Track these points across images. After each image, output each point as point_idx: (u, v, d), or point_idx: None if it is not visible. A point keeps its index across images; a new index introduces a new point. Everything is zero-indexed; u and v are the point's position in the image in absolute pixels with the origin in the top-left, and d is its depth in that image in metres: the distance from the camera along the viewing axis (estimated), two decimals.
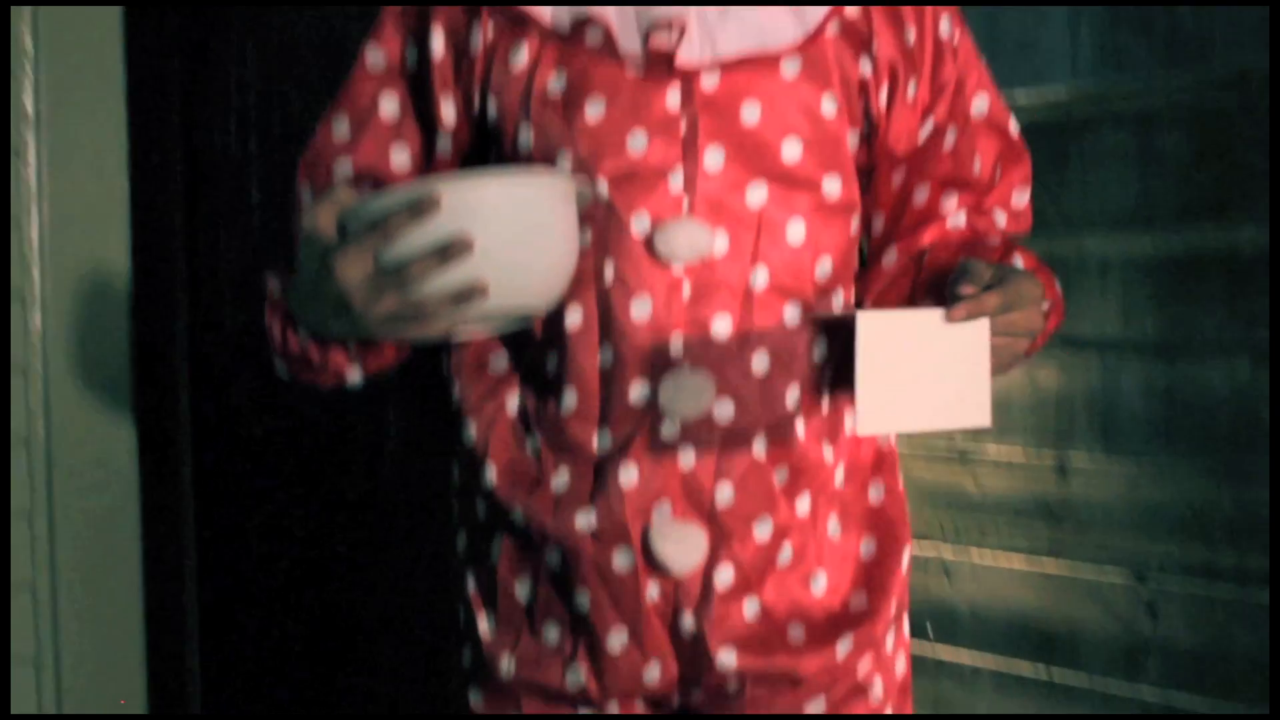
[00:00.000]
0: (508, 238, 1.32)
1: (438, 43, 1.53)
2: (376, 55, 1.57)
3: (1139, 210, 2.38)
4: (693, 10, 1.47)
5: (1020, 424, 2.53)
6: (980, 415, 1.43)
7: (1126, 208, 2.38)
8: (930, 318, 1.41)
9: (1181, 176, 2.32)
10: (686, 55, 1.47)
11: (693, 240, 1.47)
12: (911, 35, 1.56)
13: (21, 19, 2.26)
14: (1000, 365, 1.46)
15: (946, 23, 1.59)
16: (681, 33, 1.47)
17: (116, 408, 2.46)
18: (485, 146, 1.58)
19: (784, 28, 1.50)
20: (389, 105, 1.57)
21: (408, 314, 1.33)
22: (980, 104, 1.62)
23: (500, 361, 1.57)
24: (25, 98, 2.28)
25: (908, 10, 1.56)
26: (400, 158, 1.57)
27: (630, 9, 1.48)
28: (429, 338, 1.42)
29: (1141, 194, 2.37)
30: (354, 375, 1.54)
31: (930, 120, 1.60)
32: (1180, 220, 2.33)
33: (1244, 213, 2.25)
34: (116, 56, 2.45)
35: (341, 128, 1.58)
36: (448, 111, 1.55)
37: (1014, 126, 1.67)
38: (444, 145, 1.57)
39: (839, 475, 1.57)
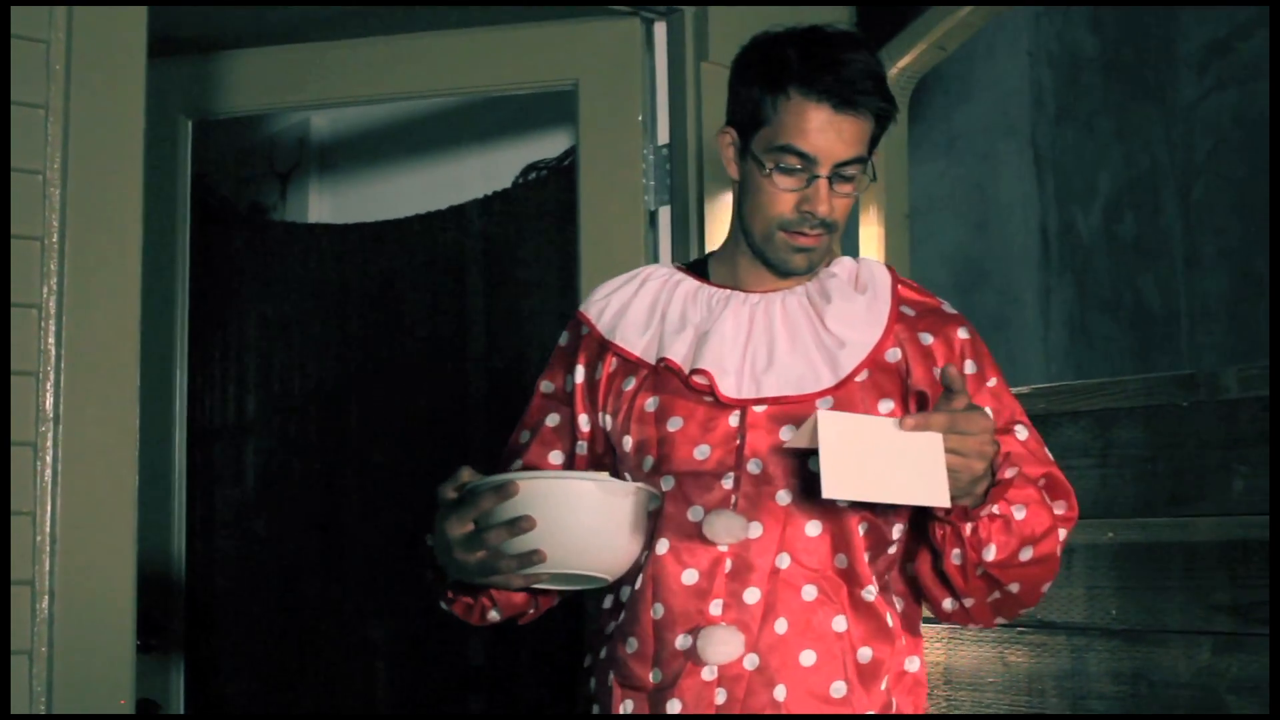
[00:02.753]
0: (564, 522, 1.79)
1: (579, 374, 2.06)
2: (546, 384, 2.11)
3: (1099, 501, 2.52)
4: (733, 361, 1.95)
5: (993, 704, 2.62)
6: (938, 496, 1.73)
7: (1088, 499, 2.52)
8: (886, 425, 1.74)
9: (1139, 470, 2.48)
10: (733, 393, 1.93)
11: (731, 527, 1.89)
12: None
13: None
14: (958, 484, 1.76)
15: (971, 366, 1.98)
16: (710, 378, 1.94)
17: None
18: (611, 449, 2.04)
19: (820, 375, 1.94)
20: (551, 420, 2.09)
21: (489, 566, 1.81)
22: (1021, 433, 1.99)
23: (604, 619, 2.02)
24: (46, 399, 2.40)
25: (937, 347, 1.98)
26: (554, 458, 2.07)
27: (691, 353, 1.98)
28: (512, 587, 1.87)
29: (1101, 485, 2.52)
30: (494, 615, 2.00)
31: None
32: (1138, 512, 2.47)
33: (1199, 504, 2.40)
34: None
35: (522, 437, 2.11)
36: (584, 423, 2.06)
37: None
38: (582, 449, 2.06)
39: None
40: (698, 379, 1.95)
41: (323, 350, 3.78)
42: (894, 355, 1.96)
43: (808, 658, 1.88)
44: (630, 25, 3.09)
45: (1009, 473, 1.83)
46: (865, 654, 1.90)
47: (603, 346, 2.05)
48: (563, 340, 2.13)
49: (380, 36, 3.20)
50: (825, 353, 1.95)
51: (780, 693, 1.86)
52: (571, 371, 2.07)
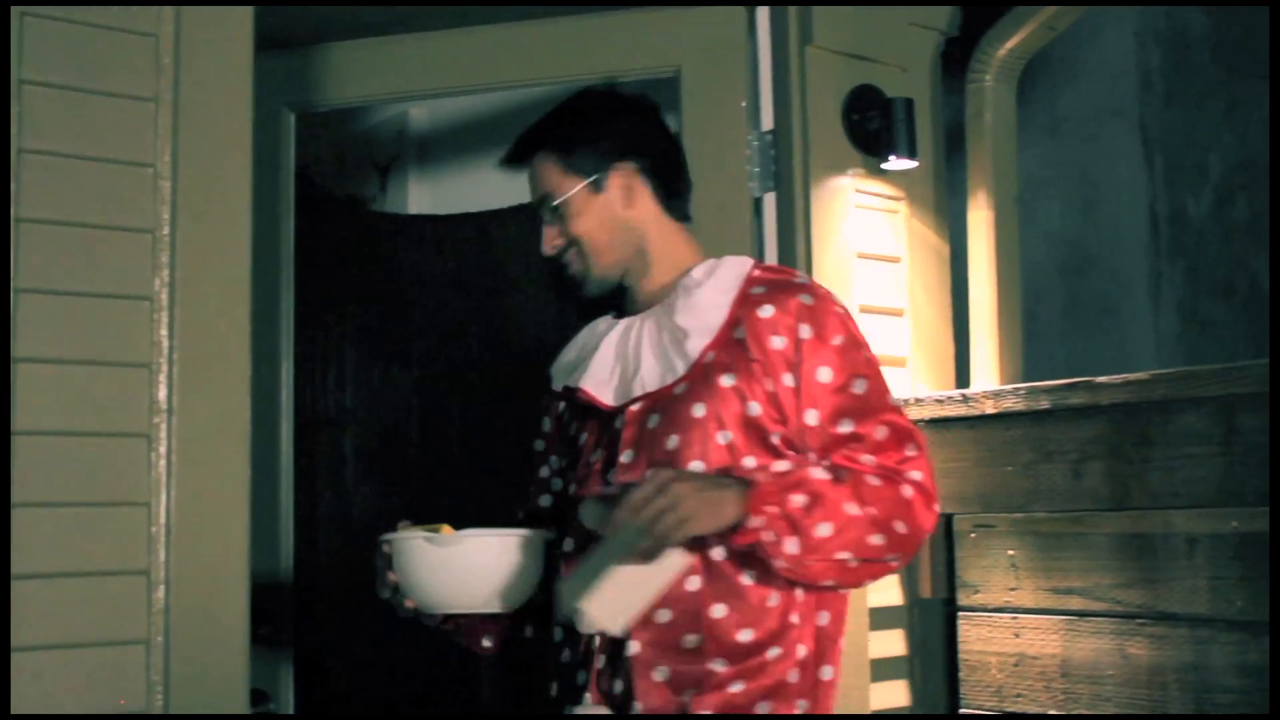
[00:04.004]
0: (411, 573, 2.22)
1: (546, 425, 2.47)
2: (538, 442, 2.48)
3: (1222, 489, 2.45)
4: (606, 375, 2.27)
5: (1113, 697, 2.56)
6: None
7: (1210, 487, 2.45)
8: (624, 569, 2.02)
9: (1263, 457, 2.40)
10: (612, 401, 2.26)
11: (595, 511, 2.11)
12: (779, 343, 2.19)
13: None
14: (689, 532, 2.02)
15: (807, 330, 2.18)
16: (588, 394, 2.27)
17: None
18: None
19: (676, 366, 2.22)
20: (543, 471, 2.46)
21: (395, 603, 2.30)
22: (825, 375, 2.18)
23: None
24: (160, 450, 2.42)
25: (777, 316, 2.20)
26: (544, 502, 2.44)
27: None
28: (425, 618, 2.33)
29: (1225, 473, 2.45)
30: (486, 643, 2.44)
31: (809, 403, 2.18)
32: (1263, 500, 2.40)
33: None
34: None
35: (529, 490, 2.47)
36: (554, 464, 2.43)
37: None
38: (559, 487, 2.39)
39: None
40: (579, 396, 2.28)
41: (424, 341, 3.78)
42: (740, 332, 2.20)
43: (663, 615, 2.13)
44: (733, 10, 3.05)
45: (778, 466, 2.09)
46: (718, 610, 2.13)
47: (554, 396, 2.43)
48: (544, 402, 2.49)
49: (480, 26, 3.19)
50: (676, 346, 2.22)
51: (632, 647, 2.14)
52: (543, 425, 2.47)
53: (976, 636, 2.84)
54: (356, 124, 4.28)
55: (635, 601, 2.04)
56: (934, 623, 2.99)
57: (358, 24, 3.23)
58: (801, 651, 2.17)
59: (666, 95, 3.17)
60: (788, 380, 2.17)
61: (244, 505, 2.39)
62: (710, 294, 2.25)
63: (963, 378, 3.25)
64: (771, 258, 3.00)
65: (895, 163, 3.07)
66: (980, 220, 3.25)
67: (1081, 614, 2.65)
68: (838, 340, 2.19)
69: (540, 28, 3.16)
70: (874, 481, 2.11)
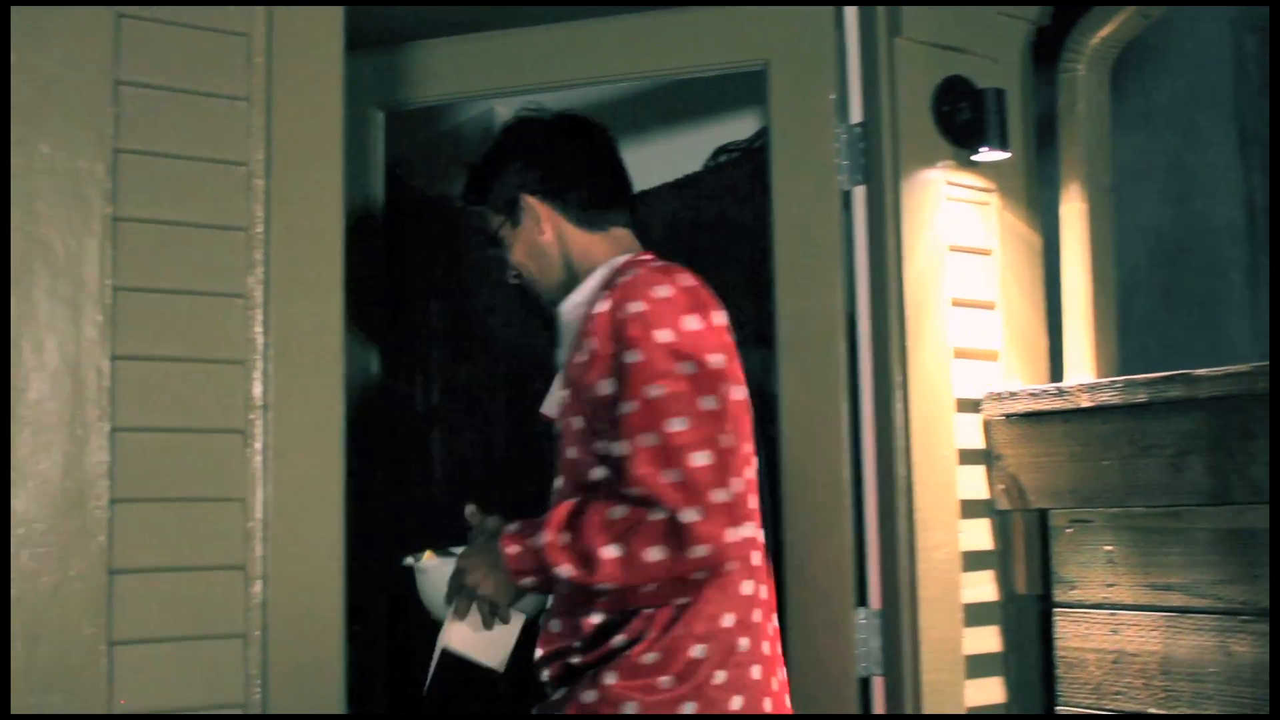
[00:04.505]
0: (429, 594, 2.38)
1: None
2: None
3: None
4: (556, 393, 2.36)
5: (1215, 695, 2.52)
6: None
7: None
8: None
9: None
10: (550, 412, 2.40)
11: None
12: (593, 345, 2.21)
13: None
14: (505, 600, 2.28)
15: (609, 339, 2.19)
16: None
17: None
18: None
19: (561, 380, 2.33)
20: None
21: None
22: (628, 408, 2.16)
23: None
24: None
25: (586, 325, 2.24)
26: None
27: None
28: None
29: None
30: None
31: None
32: None
33: None
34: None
35: None
36: None
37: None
38: None
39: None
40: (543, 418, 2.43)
41: (512, 337, 3.79)
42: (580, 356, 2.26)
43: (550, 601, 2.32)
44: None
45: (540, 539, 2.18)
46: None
47: None
48: None
49: (568, 22, 3.20)
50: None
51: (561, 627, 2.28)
52: None
53: (1073, 633, 2.80)
54: (443, 123, 4.30)
55: (495, 652, 2.32)
56: (1029, 619, 2.95)
57: (445, 22, 3.24)
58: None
59: (754, 89, 3.16)
60: (605, 388, 2.19)
61: (339, 500, 2.41)
62: (572, 302, 2.38)
63: (1056, 371, 3.21)
64: (861, 252, 2.98)
65: (986, 154, 3.03)
66: (1073, 212, 3.20)
67: (1182, 610, 2.60)
68: (631, 354, 2.15)
69: (627, 23, 3.16)
70: (618, 512, 2.12)
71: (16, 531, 2.17)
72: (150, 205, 2.32)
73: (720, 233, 3.43)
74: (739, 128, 3.56)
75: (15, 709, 2.14)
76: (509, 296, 3.79)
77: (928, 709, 2.83)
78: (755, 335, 3.15)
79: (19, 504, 2.18)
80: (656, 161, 3.66)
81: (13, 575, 2.16)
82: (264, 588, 2.33)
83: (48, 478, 2.20)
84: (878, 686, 2.88)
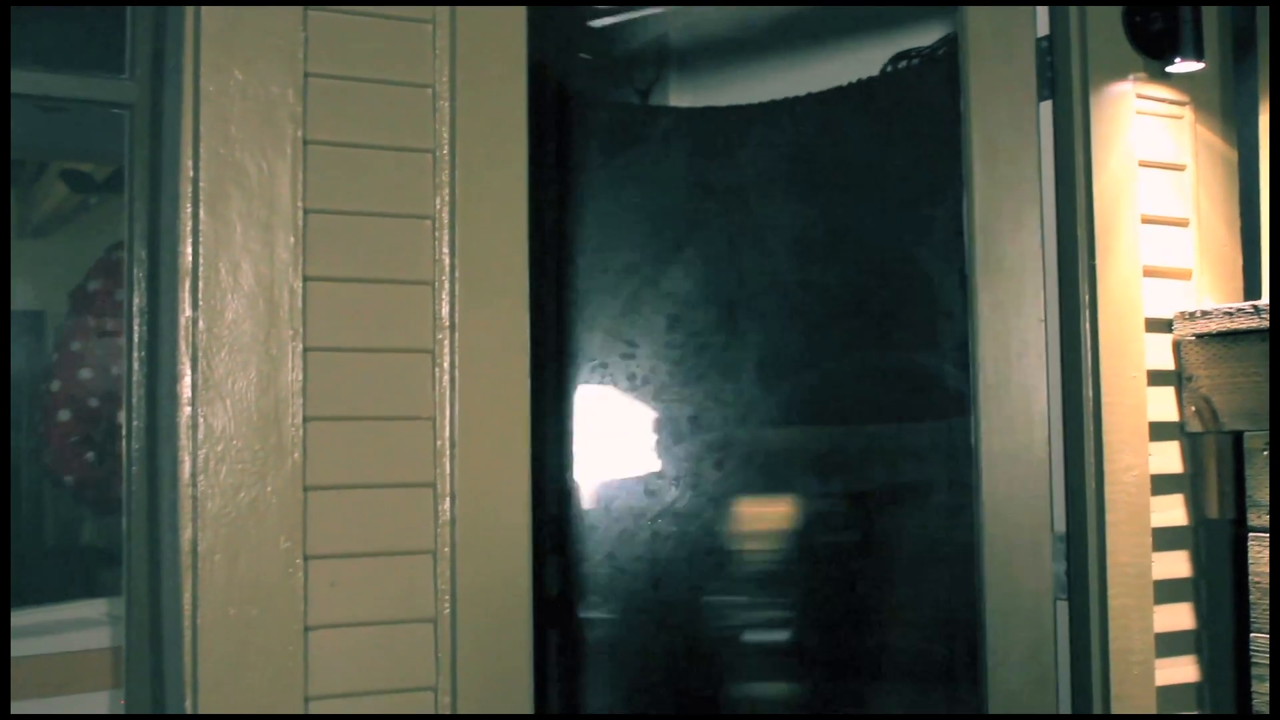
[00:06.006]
0: None
1: None
2: None
3: None
4: None
5: None
6: None
7: None
8: None
9: None
10: None
11: None
12: None
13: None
14: None
15: None
16: None
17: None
18: None
19: None
20: None
21: None
22: None
23: None
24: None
25: None
26: None
27: None
28: None
29: None
30: None
31: None
32: None
33: None
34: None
35: None
36: None
37: None
38: None
39: None
40: None
41: (691, 259, 3.77)
42: None
43: None
44: None
45: None
46: None
47: None
48: None
49: None
50: None
51: None
52: None
53: (1267, 558, 2.72)
54: (617, 47, 4.28)
55: None
56: (1221, 544, 2.87)
57: None
58: None
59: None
60: None
61: (525, 418, 2.44)
62: None
63: (1251, 289, 3.10)
64: (1048, 168, 2.90)
65: (1180, 65, 2.93)
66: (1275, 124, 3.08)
67: None
68: None
69: None
70: None
71: (215, 448, 2.24)
72: (339, 129, 2.36)
73: (893, 140, 3.37)
74: (919, 38, 3.49)
75: (214, 623, 2.21)
76: (678, 204, 3.78)
77: (1115, 634, 2.78)
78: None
79: (217, 422, 2.24)
80: (835, 71, 3.60)
81: (214, 491, 2.23)
82: (452, 505, 2.37)
83: (243, 396, 2.26)
84: (1060, 611, 2.84)
